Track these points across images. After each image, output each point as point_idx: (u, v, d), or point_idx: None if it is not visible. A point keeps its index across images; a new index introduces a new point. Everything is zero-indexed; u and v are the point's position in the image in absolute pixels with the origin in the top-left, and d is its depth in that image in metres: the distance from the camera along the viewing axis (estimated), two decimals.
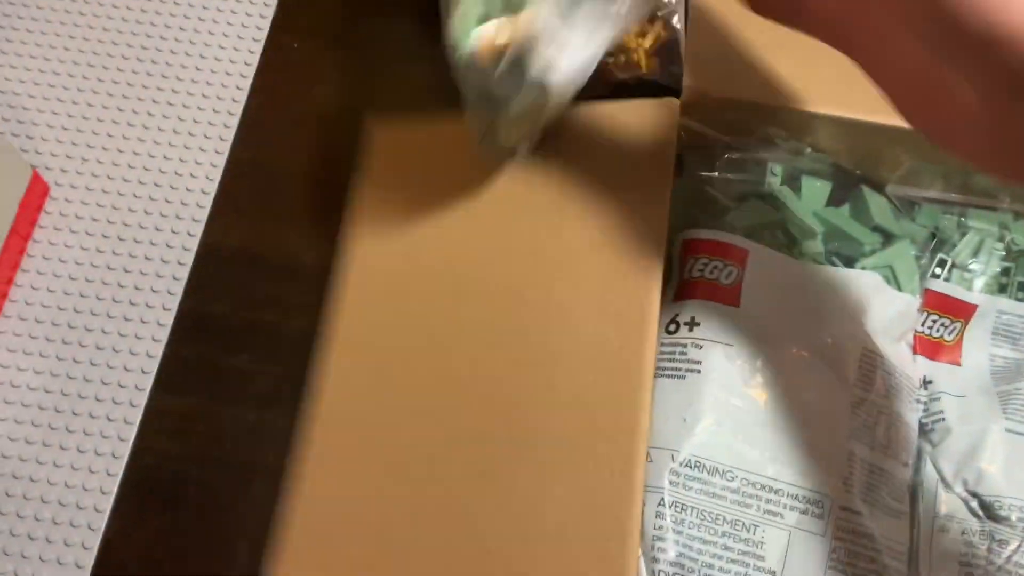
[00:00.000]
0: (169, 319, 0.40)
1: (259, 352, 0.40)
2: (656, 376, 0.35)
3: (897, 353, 0.37)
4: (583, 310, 0.36)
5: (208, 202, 0.43)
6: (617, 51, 0.42)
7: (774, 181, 0.40)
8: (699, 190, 0.39)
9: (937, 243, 0.40)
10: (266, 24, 0.47)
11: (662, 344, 0.36)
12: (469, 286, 0.38)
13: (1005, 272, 0.40)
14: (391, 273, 0.40)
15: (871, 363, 0.36)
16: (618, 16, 0.31)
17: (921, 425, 0.37)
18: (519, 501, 0.33)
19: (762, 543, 0.33)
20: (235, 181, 0.44)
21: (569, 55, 0.30)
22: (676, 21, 0.41)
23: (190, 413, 0.39)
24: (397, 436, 0.36)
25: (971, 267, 0.39)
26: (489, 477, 0.34)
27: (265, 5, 0.48)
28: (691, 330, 0.36)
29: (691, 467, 0.33)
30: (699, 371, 0.35)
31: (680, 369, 0.35)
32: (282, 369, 0.40)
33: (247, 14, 0.47)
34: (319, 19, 0.47)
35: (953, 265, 0.39)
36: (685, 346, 0.35)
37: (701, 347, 0.35)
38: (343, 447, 0.37)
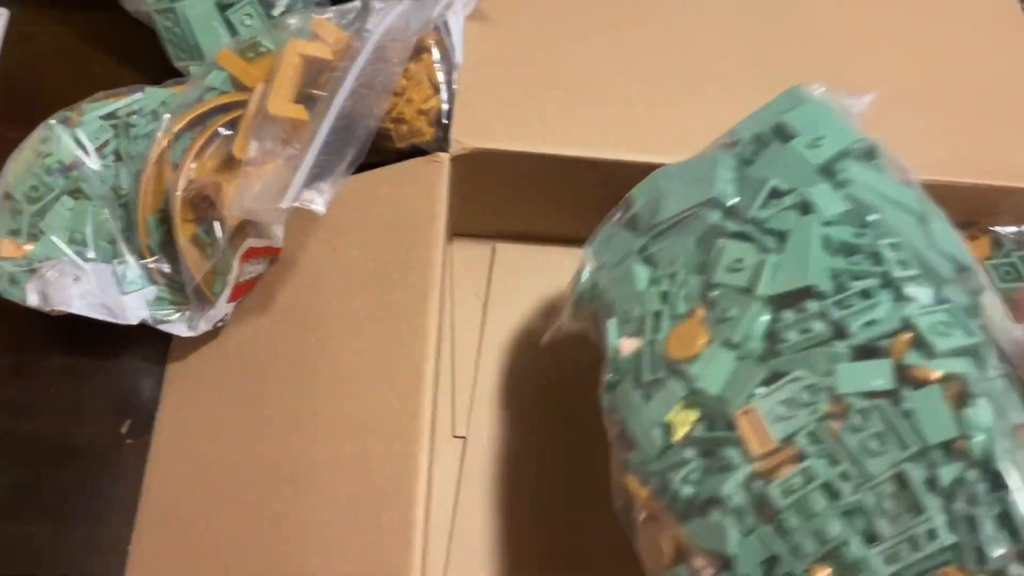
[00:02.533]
0: None
1: None
2: None
3: None
4: (367, 379, 0.36)
5: None
6: (398, 121, 0.42)
7: None
8: None
9: None
10: None
11: None
12: (269, 369, 0.38)
13: None
14: (202, 363, 0.40)
15: None
16: None
17: None
18: None
19: None
20: None
21: None
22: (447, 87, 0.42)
23: None
24: (212, 525, 0.36)
25: None
26: (284, 558, 0.34)
27: None
28: None
29: None
30: None
31: None
32: (15, 476, 0.39)
33: None
34: (39, 104, 0.43)
35: None
36: None
37: None
38: (169, 542, 0.37)
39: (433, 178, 0.39)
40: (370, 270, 0.38)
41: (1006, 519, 0.24)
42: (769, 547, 0.26)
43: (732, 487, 0.27)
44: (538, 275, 0.45)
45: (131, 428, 0.40)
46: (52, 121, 0.40)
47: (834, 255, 0.28)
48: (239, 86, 0.40)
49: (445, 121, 0.41)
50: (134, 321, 0.38)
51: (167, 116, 0.39)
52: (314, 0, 0.45)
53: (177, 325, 0.39)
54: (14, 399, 0.40)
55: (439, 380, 0.42)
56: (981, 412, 0.25)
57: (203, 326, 0.38)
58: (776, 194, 0.30)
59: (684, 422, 0.29)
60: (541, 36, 0.43)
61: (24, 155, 0.39)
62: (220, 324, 0.39)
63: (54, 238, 0.38)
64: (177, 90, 0.42)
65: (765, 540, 0.26)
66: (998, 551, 0.24)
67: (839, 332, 0.27)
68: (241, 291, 0.39)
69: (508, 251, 0.46)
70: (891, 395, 0.26)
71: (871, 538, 0.25)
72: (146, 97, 0.41)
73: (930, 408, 0.25)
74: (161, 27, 0.44)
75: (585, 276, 0.35)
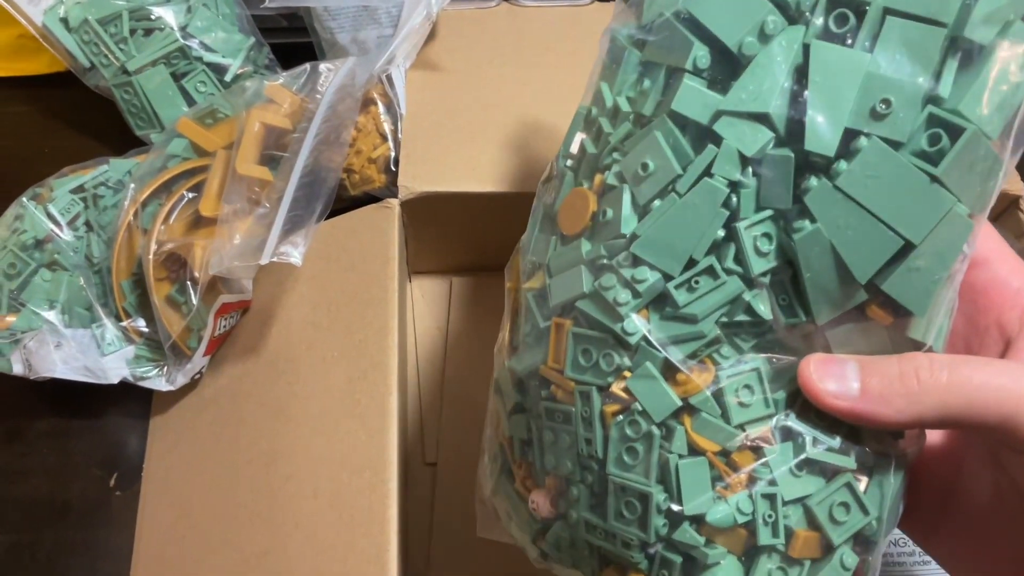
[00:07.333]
0: None
1: None
2: None
3: None
4: (336, 416, 0.38)
5: None
6: (350, 171, 0.45)
7: None
8: None
9: None
10: None
11: None
12: (245, 414, 0.41)
13: None
14: (183, 413, 0.43)
15: None
16: None
17: None
18: None
19: None
20: None
21: None
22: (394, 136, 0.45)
23: None
24: (203, 567, 0.38)
25: None
26: None
27: None
28: None
29: None
30: None
31: None
32: (11, 537, 0.41)
33: None
34: (8, 180, 0.47)
35: None
36: None
37: None
38: None
39: (385, 223, 0.41)
40: (332, 313, 0.41)
41: None
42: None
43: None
44: (492, 303, 0.48)
45: (119, 481, 0.43)
46: (24, 199, 0.42)
47: None
48: (200, 151, 0.43)
49: (394, 168, 0.44)
50: (115, 380, 0.41)
51: (132, 185, 0.41)
52: (263, 64, 0.48)
53: (156, 381, 0.41)
54: (7, 464, 0.43)
55: (407, 411, 0.45)
56: None
57: (181, 380, 0.41)
58: None
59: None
60: (479, 81, 0.46)
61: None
62: (197, 376, 0.42)
63: (34, 309, 0.41)
64: (140, 159, 0.44)
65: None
66: None
67: None
68: (216, 344, 0.42)
69: (464, 284, 0.49)
70: None
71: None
72: (111, 168, 0.44)
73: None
74: (121, 100, 0.47)
75: None
